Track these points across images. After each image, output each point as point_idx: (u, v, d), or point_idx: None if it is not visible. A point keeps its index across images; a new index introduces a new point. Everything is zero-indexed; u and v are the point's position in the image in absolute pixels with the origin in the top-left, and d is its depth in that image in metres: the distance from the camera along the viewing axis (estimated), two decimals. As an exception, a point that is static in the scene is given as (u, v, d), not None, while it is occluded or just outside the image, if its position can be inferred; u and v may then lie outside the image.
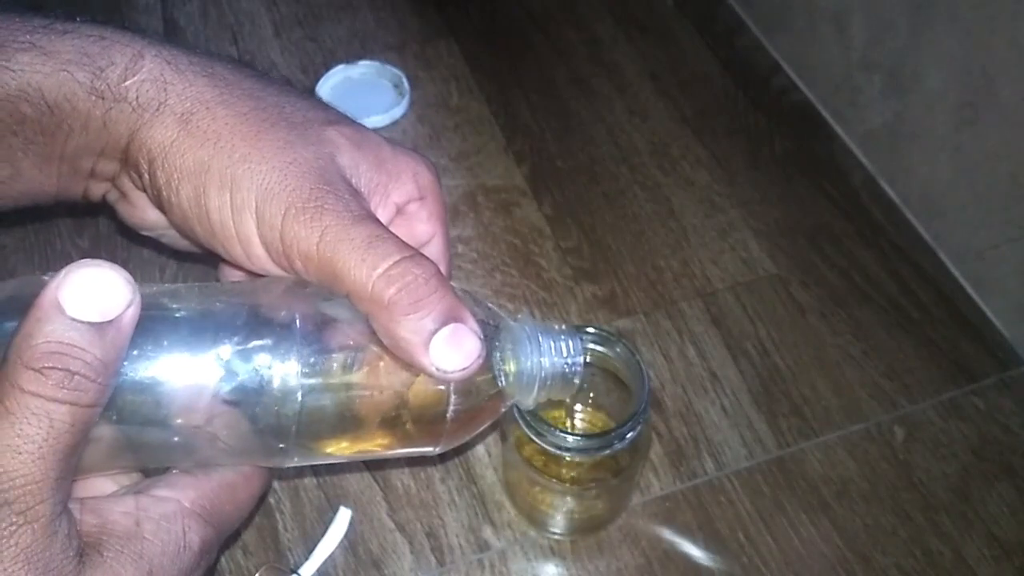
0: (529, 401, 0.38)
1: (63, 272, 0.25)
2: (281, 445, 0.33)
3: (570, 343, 0.38)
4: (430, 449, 0.37)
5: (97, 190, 0.38)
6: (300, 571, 0.53)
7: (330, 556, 0.54)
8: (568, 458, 0.49)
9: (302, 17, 0.87)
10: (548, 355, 0.38)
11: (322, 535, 0.55)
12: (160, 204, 0.36)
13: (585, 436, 0.47)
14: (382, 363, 0.34)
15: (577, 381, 0.38)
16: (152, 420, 0.30)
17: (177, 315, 0.31)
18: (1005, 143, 0.61)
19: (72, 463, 0.25)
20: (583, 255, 0.69)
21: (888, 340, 0.65)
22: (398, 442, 0.36)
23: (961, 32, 0.63)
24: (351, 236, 0.32)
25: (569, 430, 0.49)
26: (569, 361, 0.37)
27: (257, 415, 0.31)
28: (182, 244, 0.41)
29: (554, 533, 0.55)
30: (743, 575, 0.54)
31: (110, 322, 0.25)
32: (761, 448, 0.59)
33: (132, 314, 0.26)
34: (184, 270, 0.68)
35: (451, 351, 0.33)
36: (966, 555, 0.55)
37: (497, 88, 0.81)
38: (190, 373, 0.30)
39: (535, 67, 0.83)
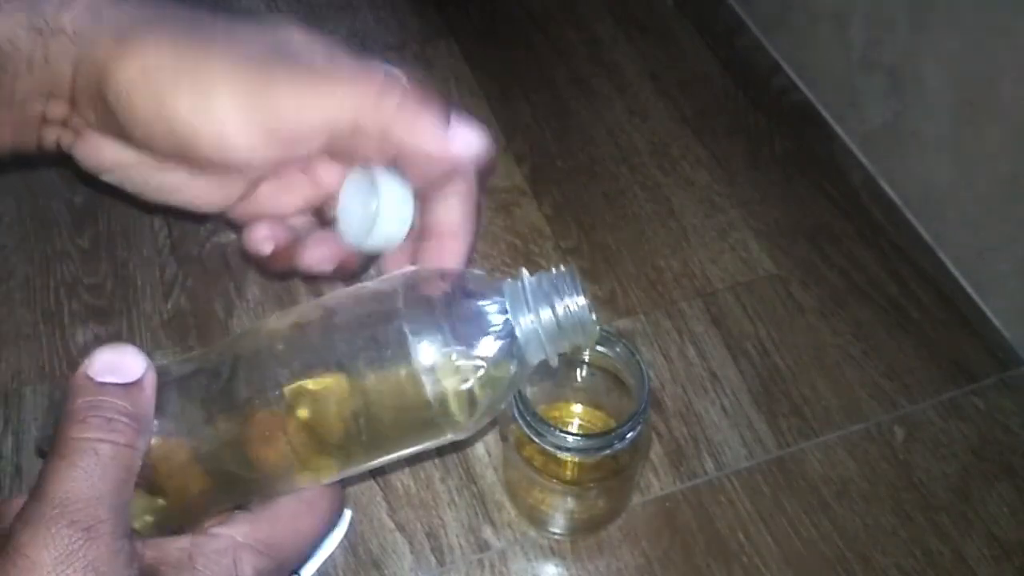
0: (552, 356, 0.37)
1: (89, 357, 0.31)
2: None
3: (567, 281, 0.37)
4: (459, 435, 0.36)
5: (50, 136, 0.38)
6: (300, 571, 0.53)
7: (330, 556, 0.54)
8: (568, 458, 0.49)
9: (302, 17, 0.87)
10: (549, 300, 0.37)
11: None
12: (117, 129, 0.35)
13: (585, 436, 0.47)
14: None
15: (591, 318, 0.37)
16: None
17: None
18: (1005, 143, 0.61)
19: (124, 494, 0.29)
20: (583, 255, 0.69)
21: (888, 340, 0.65)
22: (430, 434, 0.36)
23: (961, 32, 0.63)
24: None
25: (569, 430, 0.49)
26: (572, 302, 0.37)
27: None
28: (150, 188, 0.39)
29: (554, 533, 0.55)
30: (743, 575, 0.54)
31: (134, 383, 0.30)
32: (761, 448, 0.59)
33: (151, 377, 0.31)
34: (184, 269, 0.68)
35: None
36: (966, 555, 0.55)
37: (497, 88, 0.81)
38: None
39: (535, 67, 0.83)
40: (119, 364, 0.30)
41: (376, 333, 0.32)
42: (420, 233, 0.39)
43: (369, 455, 0.34)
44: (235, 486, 0.33)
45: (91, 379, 0.30)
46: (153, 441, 0.31)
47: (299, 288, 0.67)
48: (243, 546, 0.30)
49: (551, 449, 0.47)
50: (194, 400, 0.32)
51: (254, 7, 0.87)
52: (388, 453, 0.35)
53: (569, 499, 0.53)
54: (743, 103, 0.80)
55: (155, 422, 0.31)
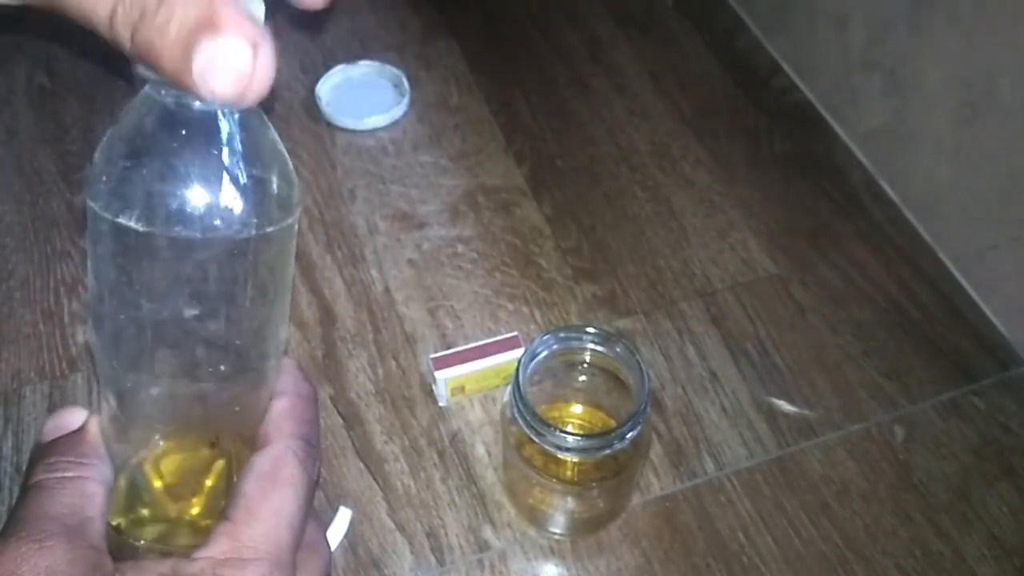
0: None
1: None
2: None
3: None
4: None
5: None
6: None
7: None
8: (568, 458, 0.49)
9: (302, 17, 0.87)
10: None
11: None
12: None
13: (585, 436, 0.47)
14: None
15: None
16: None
17: None
18: (1005, 143, 0.61)
19: (83, 513, 0.30)
20: (583, 255, 0.69)
21: (888, 340, 0.65)
22: None
23: (961, 32, 0.63)
24: None
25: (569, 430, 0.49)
26: None
27: None
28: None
29: (554, 533, 0.55)
30: (743, 575, 0.54)
31: (75, 431, 0.33)
32: (761, 448, 0.59)
33: (93, 422, 0.33)
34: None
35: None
36: (966, 555, 0.55)
37: (497, 88, 0.81)
38: None
39: (535, 67, 0.83)
40: (61, 423, 0.33)
41: None
42: None
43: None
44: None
45: (39, 443, 0.33)
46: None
47: (299, 287, 0.67)
48: (223, 563, 0.30)
49: (551, 449, 0.47)
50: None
51: (254, 7, 0.87)
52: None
53: (569, 499, 0.53)
54: (743, 103, 0.80)
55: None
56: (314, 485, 0.33)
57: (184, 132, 0.27)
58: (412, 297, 0.67)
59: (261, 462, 0.31)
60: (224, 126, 0.27)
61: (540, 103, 0.80)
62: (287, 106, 0.79)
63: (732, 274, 0.68)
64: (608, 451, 0.47)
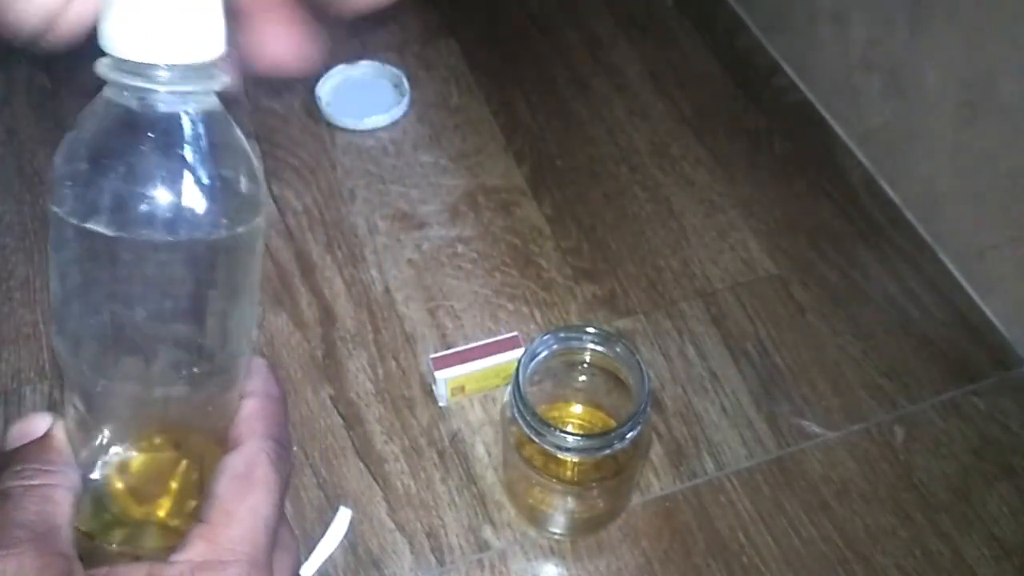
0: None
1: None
2: None
3: None
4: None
5: None
6: (300, 571, 0.53)
7: (330, 556, 0.54)
8: (568, 458, 0.49)
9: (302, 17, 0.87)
10: None
11: (322, 535, 0.55)
12: None
13: (585, 436, 0.47)
14: None
15: None
16: None
17: None
18: (1005, 143, 0.61)
19: (52, 520, 0.30)
20: (583, 255, 0.69)
21: (888, 340, 0.65)
22: None
23: (961, 32, 0.63)
24: None
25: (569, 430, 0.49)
26: None
27: None
28: None
29: (554, 533, 0.55)
30: (743, 575, 0.54)
31: (40, 438, 0.32)
32: (761, 448, 0.59)
33: (58, 426, 0.32)
34: (184, 270, 0.68)
35: None
36: (966, 555, 0.55)
37: (497, 88, 0.81)
38: None
39: (535, 67, 0.83)
40: (26, 429, 0.32)
41: None
42: None
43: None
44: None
45: (2, 451, 0.32)
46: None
47: (299, 287, 0.67)
48: (201, 565, 0.29)
49: (551, 449, 0.47)
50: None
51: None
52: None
53: (569, 499, 0.53)
54: (743, 103, 0.80)
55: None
56: (286, 486, 0.33)
57: (148, 134, 0.27)
58: (412, 297, 0.67)
59: (234, 463, 0.31)
60: (188, 126, 0.27)
61: (540, 103, 0.80)
62: (287, 106, 0.79)
63: (732, 274, 0.68)
64: (608, 451, 0.47)
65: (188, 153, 0.27)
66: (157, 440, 0.33)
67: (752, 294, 0.67)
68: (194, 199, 0.27)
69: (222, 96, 0.28)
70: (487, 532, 0.56)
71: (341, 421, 0.60)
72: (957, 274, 0.68)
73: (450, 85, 0.81)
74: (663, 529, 0.56)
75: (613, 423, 0.54)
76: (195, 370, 0.30)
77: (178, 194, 0.27)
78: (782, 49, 0.83)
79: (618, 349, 0.50)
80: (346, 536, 0.55)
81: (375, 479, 0.58)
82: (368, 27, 0.86)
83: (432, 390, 0.61)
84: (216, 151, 0.27)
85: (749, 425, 0.60)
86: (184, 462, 0.33)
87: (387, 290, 0.67)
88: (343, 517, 0.55)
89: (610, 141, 0.77)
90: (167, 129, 0.27)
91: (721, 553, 0.55)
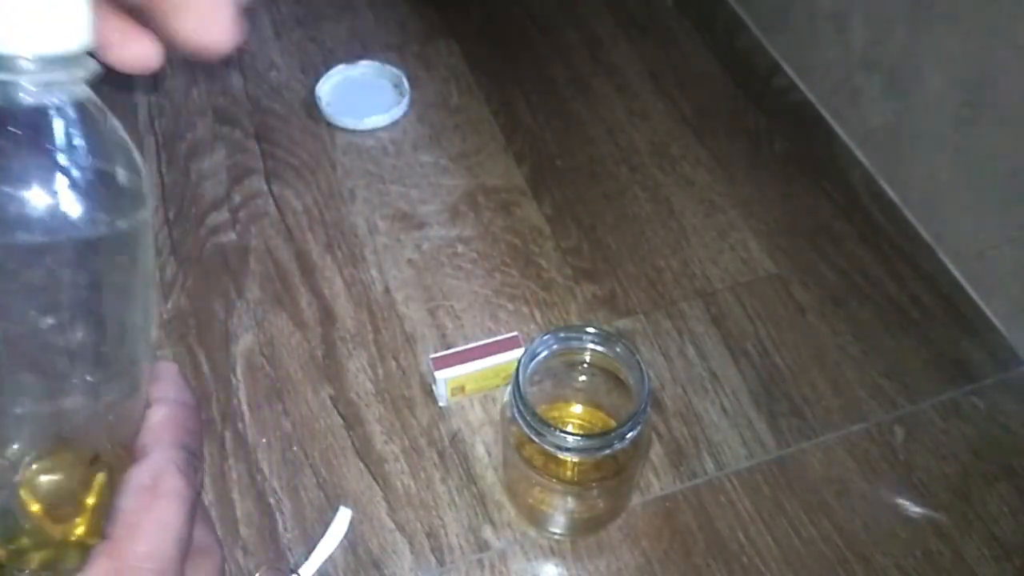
0: None
1: None
2: None
3: None
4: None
5: None
6: (300, 571, 0.53)
7: (330, 556, 0.54)
8: (568, 458, 0.49)
9: (302, 17, 0.87)
10: None
11: (322, 535, 0.55)
12: None
13: (585, 436, 0.47)
14: None
15: None
16: None
17: None
18: (1005, 143, 0.61)
19: None
20: (583, 255, 0.69)
21: (888, 340, 0.65)
22: None
23: (961, 32, 0.63)
24: None
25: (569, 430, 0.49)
26: None
27: None
28: None
29: (554, 533, 0.55)
30: (743, 575, 0.54)
31: None
32: (761, 448, 0.59)
33: None
34: (184, 269, 0.68)
35: None
36: (966, 555, 0.55)
37: (497, 88, 0.81)
38: None
39: (535, 67, 0.83)
40: None
41: None
42: None
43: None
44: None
45: None
46: None
47: (299, 287, 0.67)
48: None
49: (551, 449, 0.47)
50: None
51: (253, 7, 0.87)
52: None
53: (569, 499, 0.53)
54: (743, 103, 0.80)
55: None
56: (198, 495, 0.31)
57: (13, 129, 0.25)
58: (412, 297, 0.67)
59: (139, 475, 0.30)
60: (57, 119, 0.25)
61: (540, 103, 0.80)
62: (287, 106, 0.79)
63: (732, 274, 0.68)
64: (608, 451, 0.47)
65: (58, 147, 0.25)
66: (68, 455, 0.31)
67: (752, 294, 0.67)
68: (71, 195, 0.25)
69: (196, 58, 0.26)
70: (487, 532, 0.56)
71: (341, 421, 0.60)
72: (957, 274, 0.68)
73: (450, 85, 0.81)
74: (663, 529, 0.56)
75: (613, 423, 0.54)
76: (91, 378, 0.29)
77: (51, 192, 0.25)
78: (782, 49, 0.83)
79: (618, 349, 0.50)
80: (346, 536, 0.55)
81: (375, 479, 0.58)
82: (368, 27, 0.86)
83: (432, 390, 0.61)
84: (90, 143, 0.26)
85: (749, 425, 0.60)
86: (100, 475, 0.31)
87: (387, 290, 0.67)
88: (343, 517, 0.55)
89: (610, 141, 0.77)
90: (34, 123, 0.25)
91: (721, 553, 0.55)
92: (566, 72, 0.83)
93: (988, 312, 0.66)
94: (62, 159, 0.25)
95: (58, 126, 0.25)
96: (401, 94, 0.79)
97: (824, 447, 0.59)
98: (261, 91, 0.80)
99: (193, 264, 0.68)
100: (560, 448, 0.47)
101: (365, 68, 0.81)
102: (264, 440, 0.59)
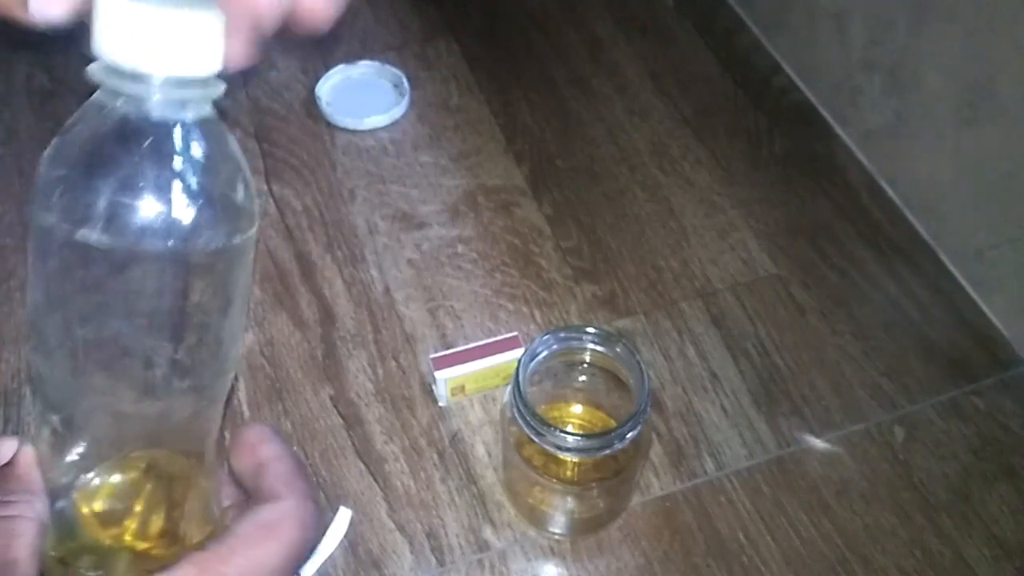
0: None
1: None
2: None
3: None
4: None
5: None
6: (300, 571, 0.53)
7: (330, 556, 0.54)
8: (568, 458, 0.49)
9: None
10: None
11: (322, 535, 0.55)
12: None
13: (585, 436, 0.47)
14: None
15: None
16: None
17: None
18: (1005, 143, 0.61)
19: (16, 552, 0.29)
20: (583, 255, 0.69)
21: (888, 340, 0.65)
22: None
23: (961, 32, 0.63)
24: None
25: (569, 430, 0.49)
26: None
27: None
28: None
29: (554, 533, 0.55)
30: (743, 575, 0.54)
31: (6, 464, 0.31)
32: (761, 448, 0.59)
33: (25, 452, 0.31)
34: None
35: None
36: (966, 555, 0.55)
37: (497, 88, 0.81)
38: None
39: (535, 67, 0.83)
40: None
41: None
42: None
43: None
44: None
45: None
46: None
47: (299, 287, 0.67)
48: None
49: (551, 449, 0.47)
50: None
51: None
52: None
53: (569, 499, 0.53)
54: (743, 103, 0.80)
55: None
56: (308, 548, 0.32)
57: (143, 142, 0.26)
58: (412, 297, 0.67)
59: (266, 512, 0.30)
60: (182, 136, 0.26)
61: (540, 103, 0.80)
62: (287, 106, 0.79)
63: (732, 274, 0.68)
64: (608, 451, 0.47)
65: (184, 163, 0.26)
66: (127, 463, 0.32)
67: (752, 294, 0.67)
68: (192, 210, 0.26)
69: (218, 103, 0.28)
70: (487, 532, 0.56)
71: (341, 421, 0.60)
72: (957, 274, 0.68)
73: (450, 85, 0.81)
74: (663, 529, 0.56)
75: (613, 423, 0.54)
76: (181, 385, 0.29)
77: (175, 205, 0.26)
78: (782, 49, 0.83)
79: (618, 349, 0.50)
80: (346, 536, 0.55)
81: (375, 479, 0.58)
82: (368, 27, 0.86)
83: (432, 390, 0.61)
84: (213, 160, 0.27)
85: (749, 425, 0.60)
86: (149, 485, 0.32)
87: (387, 290, 0.67)
88: (343, 517, 0.55)
89: (610, 141, 0.77)
90: (161, 138, 0.26)
91: (721, 553, 0.55)
92: (566, 72, 0.83)
93: (988, 312, 0.66)
94: (187, 174, 0.26)
95: (183, 143, 0.26)
96: (401, 94, 0.79)
97: (824, 447, 0.59)
98: (261, 91, 0.80)
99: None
100: (560, 448, 0.47)
101: (365, 68, 0.81)
102: (264, 440, 0.59)
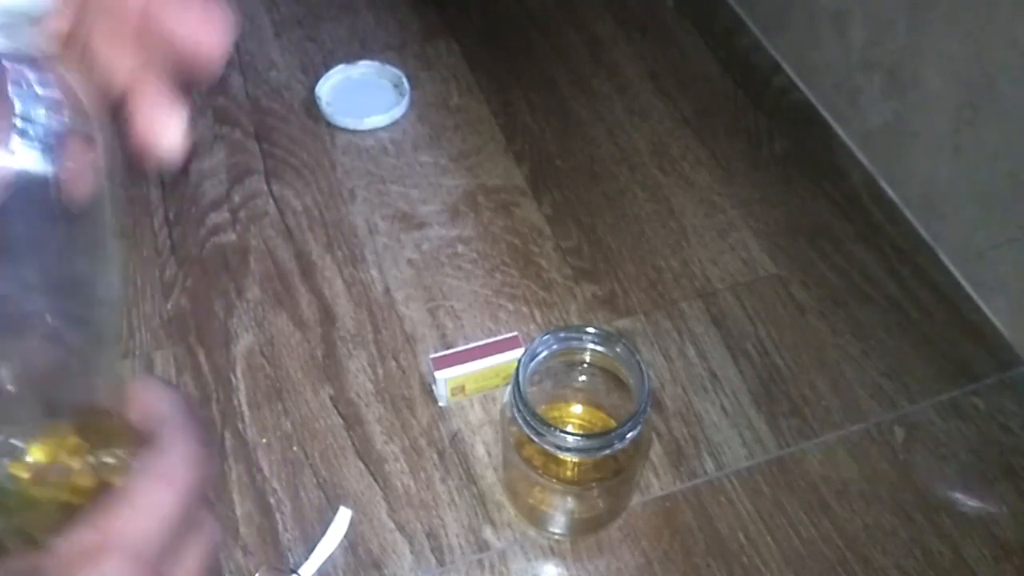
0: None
1: None
2: None
3: None
4: None
5: None
6: (300, 571, 0.53)
7: (330, 556, 0.54)
8: (568, 458, 0.49)
9: (302, 17, 0.87)
10: None
11: (322, 535, 0.55)
12: None
13: (585, 436, 0.47)
14: None
15: None
16: None
17: None
18: (1005, 143, 0.61)
19: None
20: (583, 255, 0.69)
21: (888, 340, 0.65)
22: None
23: (961, 32, 0.63)
24: None
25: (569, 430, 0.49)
26: None
27: None
28: None
29: (554, 533, 0.55)
30: (743, 575, 0.54)
31: None
32: (761, 448, 0.59)
33: None
34: (184, 269, 0.68)
35: None
36: (966, 555, 0.55)
37: (497, 88, 0.81)
38: None
39: (535, 67, 0.83)
40: None
41: None
42: None
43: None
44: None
45: None
46: None
47: (299, 287, 0.67)
48: (80, 552, 0.28)
49: (551, 449, 0.47)
50: None
51: (254, 8, 0.87)
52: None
53: (569, 499, 0.53)
54: (743, 103, 0.80)
55: None
56: (202, 488, 0.32)
57: None
58: (412, 297, 0.67)
59: (155, 461, 0.30)
60: (9, 67, 0.25)
61: (540, 103, 0.80)
62: (287, 106, 0.79)
63: (732, 274, 0.68)
64: (608, 451, 0.47)
65: (11, 94, 0.25)
66: (52, 425, 0.32)
67: (752, 294, 0.67)
68: (16, 143, 0.25)
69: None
70: (487, 532, 0.56)
71: (341, 421, 0.60)
72: (957, 274, 0.68)
73: (450, 85, 0.81)
74: (663, 529, 0.56)
75: (613, 423, 0.54)
76: (64, 330, 0.29)
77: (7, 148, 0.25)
78: (782, 49, 0.83)
79: (618, 349, 0.50)
80: (346, 536, 0.55)
81: (375, 479, 0.58)
82: (368, 27, 0.86)
83: (432, 390, 0.61)
84: (42, 91, 0.26)
85: (749, 425, 0.60)
86: (74, 439, 0.32)
87: (387, 290, 0.67)
88: (343, 517, 0.55)
89: (610, 141, 0.77)
90: None
91: (721, 553, 0.55)
92: (566, 72, 0.83)
93: (988, 312, 0.66)
94: (15, 105, 0.25)
95: (10, 73, 0.25)
96: (401, 94, 0.79)
97: (824, 447, 0.59)
98: (261, 91, 0.80)
99: (193, 264, 0.68)
100: (560, 448, 0.47)
101: (365, 68, 0.81)
102: (264, 440, 0.59)
